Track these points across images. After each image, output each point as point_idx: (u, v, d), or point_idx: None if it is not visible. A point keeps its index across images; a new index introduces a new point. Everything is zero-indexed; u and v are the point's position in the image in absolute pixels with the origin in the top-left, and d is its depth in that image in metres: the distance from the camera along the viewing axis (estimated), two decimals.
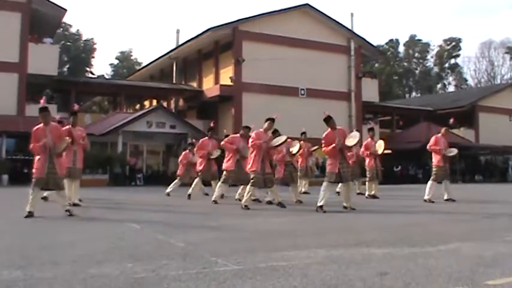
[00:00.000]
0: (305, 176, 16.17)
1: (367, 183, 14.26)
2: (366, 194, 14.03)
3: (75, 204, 10.27)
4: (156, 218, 8.67)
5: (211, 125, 14.32)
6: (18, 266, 4.07)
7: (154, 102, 37.55)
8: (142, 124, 27.46)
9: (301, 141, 15.50)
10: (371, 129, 15.01)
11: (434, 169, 13.12)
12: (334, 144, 9.68)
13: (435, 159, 13.16)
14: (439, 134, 13.41)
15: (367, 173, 14.31)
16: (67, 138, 9.32)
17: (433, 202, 12.24)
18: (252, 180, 10.53)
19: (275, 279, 3.66)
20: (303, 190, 15.81)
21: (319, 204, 9.61)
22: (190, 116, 35.66)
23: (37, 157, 8.68)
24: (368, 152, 14.20)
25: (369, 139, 14.48)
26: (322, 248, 5.05)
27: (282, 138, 10.70)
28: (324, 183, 9.97)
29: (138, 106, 42.46)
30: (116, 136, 26.62)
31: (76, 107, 11.90)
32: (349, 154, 15.93)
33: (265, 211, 9.97)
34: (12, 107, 27.31)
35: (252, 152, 10.60)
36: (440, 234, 6.31)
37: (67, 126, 10.80)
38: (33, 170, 8.63)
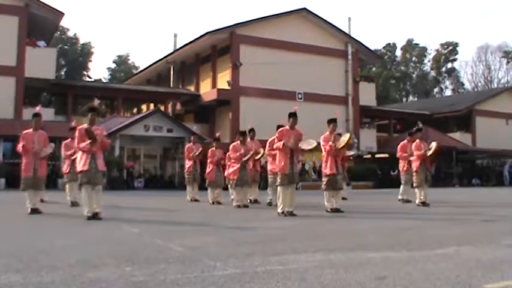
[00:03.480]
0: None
1: (416, 189, 12.95)
2: (417, 201, 12.79)
3: (95, 216, 8.48)
4: (154, 222, 8.67)
5: (251, 126, 13.41)
6: (16, 270, 4.06)
7: (152, 106, 37.54)
8: (139, 128, 27.44)
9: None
10: (419, 130, 13.76)
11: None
12: (282, 142, 9.34)
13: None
14: (405, 141, 13.77)
15: (414, 177, 12.96)
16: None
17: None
18: (325, 183, 10.29)
19: (273, 283, 3.66)
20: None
21: (279, 211, 9.43)
22: (188, 120, 35.65)
23: (24, 159, 9.71)
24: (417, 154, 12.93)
25: (417, 140, 13.19)
26: (320, 252, 5.05)
27: (346, 138, 10.33)
28: (279, 189, 9.56)
29: (135, 110, 42.47)
30: (113, 140, 26.48)
31: (96, 102, 9.97)
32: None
33: (263, 215, 9.97)
34: (9, 111, 27.31)
35: (326, 156, 10.33)
36: (438, 238, 6.32)
37: (84, 126, 9.29)
38: (22, 172, 9.69)
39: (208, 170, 14.01)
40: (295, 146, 9.43)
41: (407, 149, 13.56)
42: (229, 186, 13.22)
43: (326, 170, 10.30)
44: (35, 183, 9.73)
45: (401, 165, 14.03)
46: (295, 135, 9.49)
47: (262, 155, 12.80)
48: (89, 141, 8.56)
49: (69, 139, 12.21)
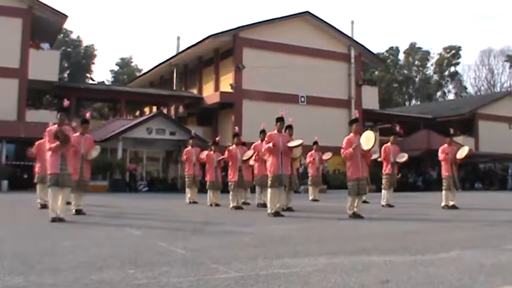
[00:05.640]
0: (315, 184, 17.10)
1: (443, 192, 13.21)
2: (442, 204, 13.10)
3: (60, 219, 8.69)
4: (156, 225, 8.67)
5: (262, 126, 13.35)
6: (19, 271, 4.07)
7: (155, 108, 37.61)
8: (142, 130, 27.48)
9: (313, 151, 16.20)
10: (450, 135, 13.84)
11: (384, 177, 13.90)
12: (272, 143, 9.92)
13: (384, 167, 13.92)
14: (388, 143, 14.04)
15: (443, 181, 13.21)
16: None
17: (392, 206, 13.27)
18: (350, 188, 9.77)
19: (276, 287, 3.66)
20: (314, 197, 16.93)
21: (271, 211, 9.90)
22: (191, 122, 35.70)
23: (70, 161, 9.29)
24: (444, 156, 13.07)
25: (446, 145, 13.36)
26: (323, 255, 5.04)
27: (372, 138, 9.71)
28: (269, 190, 10.04)
29: (138, 113, 42.52)
30: (116, 142, 26.61)
31: (66, 102, 10.01)
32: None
33: (265, 218, 9.96)
34: (12, 113, 27.36)
35: (348, 160, 9.82)
36: (440, 242, 6.31)
37: (54, 127, 9.11)
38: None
39: (207, 172, 14.46)
40: (283, 148, 9.98)
41: (389, 152, 13.85)
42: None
43: (349, 174, 9.87)
44: (81, 186, 10.21)
45: (384, 167, 14.10)
46: (282, 139, 10.08)
47: (250, 157, 12.85)
48: (57, 143, 8.59)
49: (42, 140, 11.93)
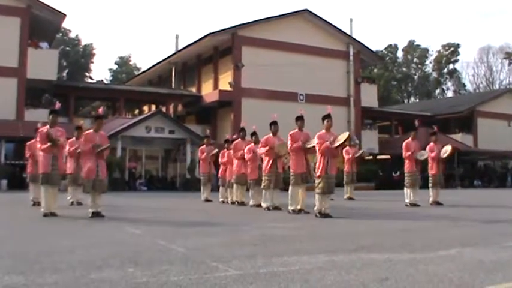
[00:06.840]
0: (351, 182, 16.82)
1: (430, 189, 13.65)
2: (430, 201, 13.45)
3: (52, 214, 9.28)
4: (156, 223, 8.68)
5: (274, 118, 12.06)
6: (20, 271, 4.06)
7: (153, 107, 37.56)
8: (141, 129, 27.44)
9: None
10: (434, 134, 13.96)
11: (408, 176, 13.33)
12: (299, 143, 10.03)
13: (407, 165, 13.39)
14: (409, 139, 13.54)
15: (430, 179, 13.71)
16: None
17: (418, 205, 12.76)
18: (319, 186, 9.29)
19: (276, 285, 3.66)
20: (348, 196, 16.62)
21: (291, 208, 10.14)
22: (189, 121, 35.67)
23: (87, 162, 9.34)
24: (432, 155, 13.48)
25: (432, 143, 13.70)
26: (323, 253, 5.04)
27: (345, 136, 9.41)
28: (291, 188, 10.25)
29: (137, 111, 42.50)
30: (114, 141, 26.52)
31: (58, 105, 10.61)
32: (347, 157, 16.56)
33: (265, 216, 9.97)
34: (11, 112, 27.35)
35: (319, 156, 9.43)
36: (440, 239, 6.32)
37: (45, 128, 9.64)
38: (84, 174, 9.34)
39: (221, 170, 14.67)
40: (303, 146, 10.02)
41: (411, 148, 13.27)
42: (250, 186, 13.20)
43: (318, 171, 9.39)
44: (96, 185, 9.32)
45: (407, 165, 13.42)
46: (304, 137, 10.18)
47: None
48: (49, 144, 9.28)
49: (33, 140, 11.95)
